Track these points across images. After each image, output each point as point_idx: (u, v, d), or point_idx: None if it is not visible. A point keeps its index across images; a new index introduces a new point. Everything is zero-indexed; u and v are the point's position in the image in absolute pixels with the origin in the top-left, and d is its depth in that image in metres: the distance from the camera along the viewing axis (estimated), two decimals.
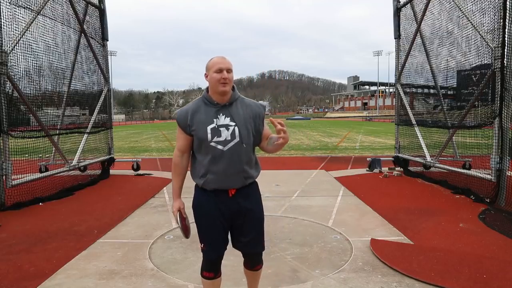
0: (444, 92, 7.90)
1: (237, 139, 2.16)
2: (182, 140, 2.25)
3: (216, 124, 2.16)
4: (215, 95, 2.19)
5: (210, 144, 2.15)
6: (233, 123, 2.16)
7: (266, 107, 2.43)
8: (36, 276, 3.24)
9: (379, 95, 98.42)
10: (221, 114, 2.18)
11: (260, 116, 2.27)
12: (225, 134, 2.15)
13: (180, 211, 2.37)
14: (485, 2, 5.65)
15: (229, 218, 2.28)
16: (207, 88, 2.24)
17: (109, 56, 9.38)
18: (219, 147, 2.15)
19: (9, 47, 5.48)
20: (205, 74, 2.19)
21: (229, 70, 2.15)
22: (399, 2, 8.80)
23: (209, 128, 2.15)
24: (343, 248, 3.92)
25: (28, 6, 5.99)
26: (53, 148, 7.38)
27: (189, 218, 2.47)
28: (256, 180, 2.38)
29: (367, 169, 8.96)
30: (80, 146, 7.73)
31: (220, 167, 2.16)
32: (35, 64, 6.38)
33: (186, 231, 2.43)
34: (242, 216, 2.28)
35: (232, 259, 3.55)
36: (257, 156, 2.36)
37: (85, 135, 7.97)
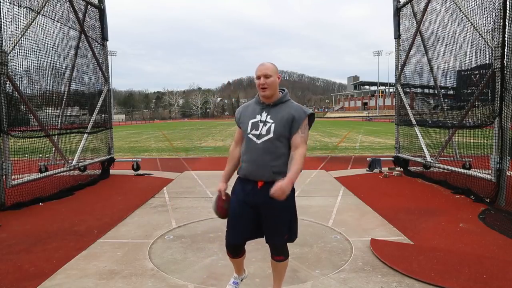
0: (444, 92, 7.90)
1: (271, 135, 2.39)
2: (237, 132, 2.64)
3: (257, 120, 2.44)
4: (261, 97, 2.47)
5: (248, 135, 2.45)
6: (271, 121, 2.41)
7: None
8: (36, 276, 3.24)
9: (379, 95, 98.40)
10: (264, 112, 2.46)
11: (297, 120, 2.40)
12: (262, 129, 2.41)
13: (220, 192, 2.57)
14: (485, 2, 5.65)
15: (255, 208, 2.46)
16: None
17: (109, 56, 9.38)
18: (254, 139, 2.42)
19: (9, 47, 5.48)
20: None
21: (266, 76, 2.38)
22: (399, 2, 8.80)
23: (250, 121, 2.46)
24: (343, 248, 3.92)
25: (28, 6, 5.99)
26: (53, 148, 7.38)
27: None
28: None
29: (367, 169, 8.96)
30: (80, 146, 7.73)
31: (251, 158, 2.43)
32: (35, 64, 6.38)
33: (220, 211, 2.59)
34: (267, 209, 2.45)
35: None
36: None
37: (85, 135, 7.97)
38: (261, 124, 2.42)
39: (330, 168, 9.57)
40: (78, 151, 7.60)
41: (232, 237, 2.55)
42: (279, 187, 2.23)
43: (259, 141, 2.40)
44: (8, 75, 5.43)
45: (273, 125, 2.39)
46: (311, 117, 2.48)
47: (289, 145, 2.43)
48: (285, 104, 2.46)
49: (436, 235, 4.27)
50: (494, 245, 3.89)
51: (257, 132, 2.41)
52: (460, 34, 6.55)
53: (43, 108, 6.96)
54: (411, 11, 8.20)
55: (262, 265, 3.43)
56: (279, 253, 2.61)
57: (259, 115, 2.45)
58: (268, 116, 2.42)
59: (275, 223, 2.49)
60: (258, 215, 2.48)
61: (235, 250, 2.61)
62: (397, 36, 8.93)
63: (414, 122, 8.26)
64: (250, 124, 2.45)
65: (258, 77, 2.40)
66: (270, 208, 2.43)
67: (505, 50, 5.24)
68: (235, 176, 2.64)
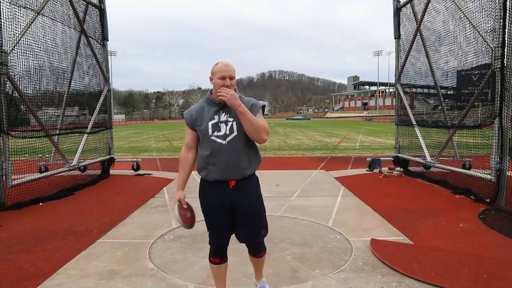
0: (444, 92, 7.90)
1: (235, 133, 2.37)
2: (188, 136, 2.51)
3: (217, 121, 2.39)
4: (217, 97, 2.38)
5: (211, 138, 2.38)
6: (232, 119, 2.38)
7: (266, 106, 2.60)
8: (36, 276, 3.24)
9: (379, 95, 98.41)
10: (221, 112, 2.40)
11: (254, 108, 2.41)
12: (224, 129, 2.37)
13: (180, 202, 2.53)
14: (485, 2, 5.65)
15: (229, 208, 2.46)
16: (211, 90, 2.47)
17: (109, 56, 9.38)
18: (219, 140, 2.37)
19: (9, 47, 5.48)
20: (210, 77, 2.42)
21: (231, 78, 2.37)
22: (399, 2, 8.80)
23: (210, 123, 2.39)
24: (343, 248, 3.92)
25: (28, 6, 5.99)
26: (53, 148, 7.38)
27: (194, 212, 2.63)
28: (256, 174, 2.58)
29: (367, 169, 8.96)
30: (80, 146, 7.73)
31: (220, 160, 2.37)
32: (35, 64, 6.38)
33: (185, 221, 2.54)
34: (241, 207, 2.46)
35: (232, 259, 3.55)
36: (258, 149, 2.56)
37: (85, 135, 7.97)
38: (222, 124, 2.38)
39: (330, 168, 9.56)
40: (78, 151, 7.60)
41: (216, 238, 2.53)
42: (232, 92, 2.28)
43: (224, 142, 2.36)
44: (8, 75, 5.43)
45: (234, 123, 2.37)
46: (263, 108, 2.50)
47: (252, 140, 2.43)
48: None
49: (436, 235, 4.27)
50: (494, 245, 3.89)
51: (221, 133, 2.37)
52: (460, 34, 6.55)
53: (43, 108, 6.96)
54: (411, 11, 8.20)
55: None
56: (260, 250, 2.68)
57: (217, 116, 2.39)
58: (227, 115, 2.38)
59: (253, 220, 2.51)
60: (233, 214, 2.49)
61: (222, 250, 2.58)
62: (397, 36, 8.93)
63: (414, 122, 8.26)
64: (210, 126, 2.38)
65: (223, 78, 2.34)
66: (246, 205, 2.46)
67: (505, 50, 5.24)
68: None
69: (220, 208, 2.45)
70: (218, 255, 2.58)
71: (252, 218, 2.51)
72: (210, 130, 2.37)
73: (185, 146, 2.53)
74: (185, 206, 2.54)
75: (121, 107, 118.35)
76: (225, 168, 2.37)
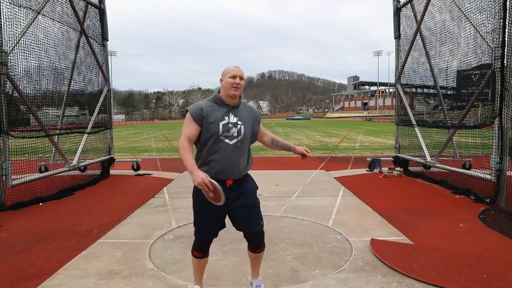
0: (444, 92, 7.90)
1: (242, 136, 2.55)
2: (193, 130, 2.52)
3: (227, 121, 2.52)
4: (226, 98, 2.56)
5: (220, 137, 2.49)
6: (240, 123, 2.55)
7: (260, 109, 2.71)
8: (36, 276, 3.24)
9: (379, 95, 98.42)
10: (231, 114, 2.55)
11: (258, 118, 2.72)
12: (233, 131, 2.52)
13: (208, 180, 2.34)
14: (485, 2, 5.65)
15: (225, 206, 2.47)
16: (219, 90, 2.62)
17: (109, 56, 9.38)
18: (226, 140, 2.51)
19: (9, 47, 5.48)
20: (221, 78, 2.59)
21: (241, 78, 2.55)
22: (399, 2, 8.80)
23: (221, 123, 2.50)
24: (343, 248, 3.92)
25: (28, 6, 5.99)
26: (53, 148, 7.38)
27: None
28: (254, 178, 2.76)
29: (367, 169, 8.96)
30: (80, 146, 7.73)
31: (223, 158, 2.50)
32: (35, 64, 6.38)
33: (221, 195, 2.37)
34: (238, 204, 2.58)
35: (232, 259, 3.56)
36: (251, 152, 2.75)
37: (85, 135, 7.97)
38: (231, 126, 2.52)
39: (330, 168, 9.56)
40: (78, 151, 7.60)
41: (207, 234, 2.66)
42: (306, 151, 2.90)
43: (231, 142, 2.51)
44: (8, 75, 5.43)
45: (242, 127, 2.55)
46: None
47: (250, 144, 2.70)
48: (242, 105, 2.67)
49: (436, 235, 4.27)
50: (494, 245, 3.89)
51: (229, 134, 2.51)
52: (460, 34, 6.55)
53: (43, 108, 6.96)
54: (411, 11, 8.20)
55: (262, 265, 3.42)
56: (261, 244, 2.76)
57: (227, 117, 2.53)
58: (236, 118, 2.55)
59: (252, 212, 2.64)
60: (226, 212, 2.60)
61: (207, 245, 2.72)
62: (397, 36, 8.93)
63: (414, 122, 8.26)
64: (221, 126, 2.49)
65: (234, 77, 2.51)
66: (242, 201, 2.59)
67: (505, 50, 5.24)
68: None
69: (213, 206, 2.46)
70: (202, 250, 2.71)
71: (252, 210, 2.63)
72: (220, 130, 2.49)
73: (186, 138, 2.50)
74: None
75: (121, 107, 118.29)
76: (226, 167, 2.50)
